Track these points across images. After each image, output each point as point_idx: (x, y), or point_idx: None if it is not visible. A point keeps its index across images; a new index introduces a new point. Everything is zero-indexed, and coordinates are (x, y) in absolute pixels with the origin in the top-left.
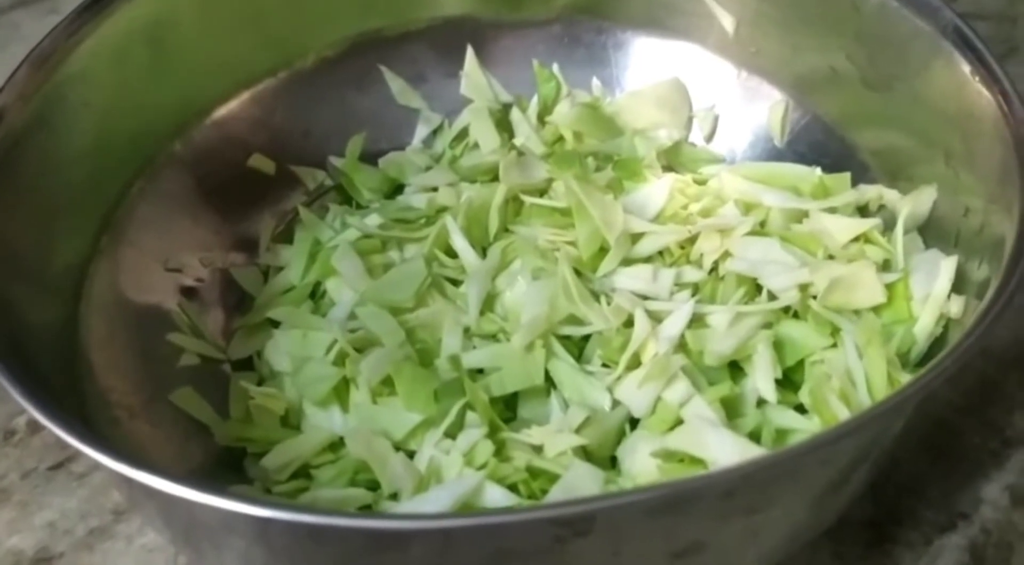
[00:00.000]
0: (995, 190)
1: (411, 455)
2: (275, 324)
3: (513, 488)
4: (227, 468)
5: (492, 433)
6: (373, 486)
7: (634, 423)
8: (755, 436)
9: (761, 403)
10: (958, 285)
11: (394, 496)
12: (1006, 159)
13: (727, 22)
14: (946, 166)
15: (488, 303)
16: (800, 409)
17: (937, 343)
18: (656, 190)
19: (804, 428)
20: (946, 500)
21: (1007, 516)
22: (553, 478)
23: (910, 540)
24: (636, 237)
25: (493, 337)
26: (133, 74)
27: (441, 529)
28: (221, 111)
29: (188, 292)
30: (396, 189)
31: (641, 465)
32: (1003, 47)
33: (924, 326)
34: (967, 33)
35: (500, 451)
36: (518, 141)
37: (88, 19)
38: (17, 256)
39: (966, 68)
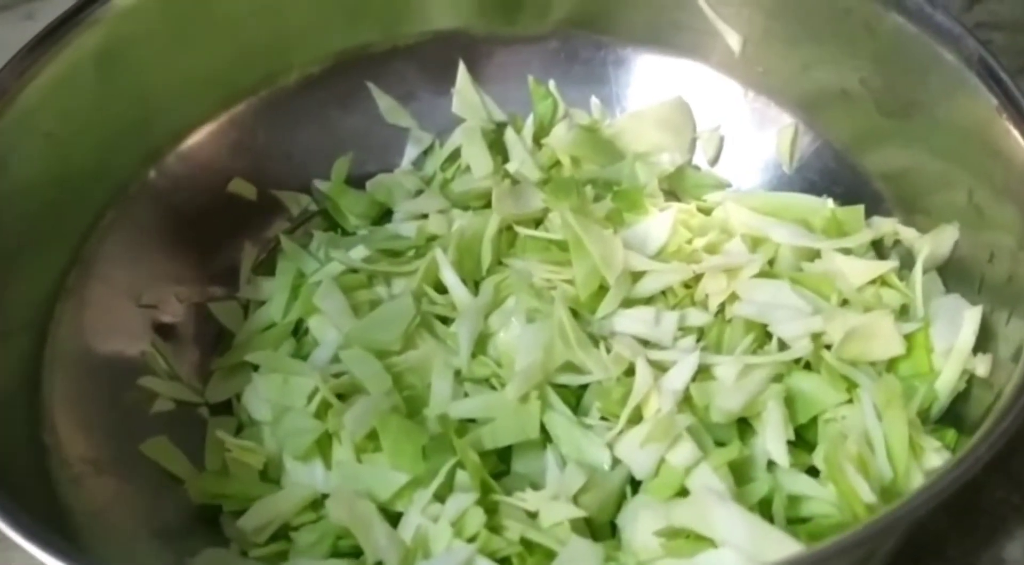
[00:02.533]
0: (1022, 238)
1: (397, 516)
2: (256, 365)
3: (506, 562)
4: (202, 525)
5: (484, 494)
6: (357, 552)
7: (635, 484)
8: (765, 503)
9: (772, 466)
10: (983, 337)
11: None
12: None
13: (733, 40)
14: (968, 202)
15: (480, 344)
16: (813, 471)
17: (960, 398)
18: (658, 223)
19: (819, 496)
20: (967, 558)
21: None
22: (549, 554)
23: None
24: (637, 275)
25: (486, 381)
26: (96, 101)
27: None
28: (197, 135)
29: (162, 330)
30: (384, 214)
31: (643, 540)
32: (1019, 59)
33: (947, 381)
34: (993, 66)
35: (492, 516)
36: (512, 166)
37: (41, 52)
38: None
39: (993, 102)
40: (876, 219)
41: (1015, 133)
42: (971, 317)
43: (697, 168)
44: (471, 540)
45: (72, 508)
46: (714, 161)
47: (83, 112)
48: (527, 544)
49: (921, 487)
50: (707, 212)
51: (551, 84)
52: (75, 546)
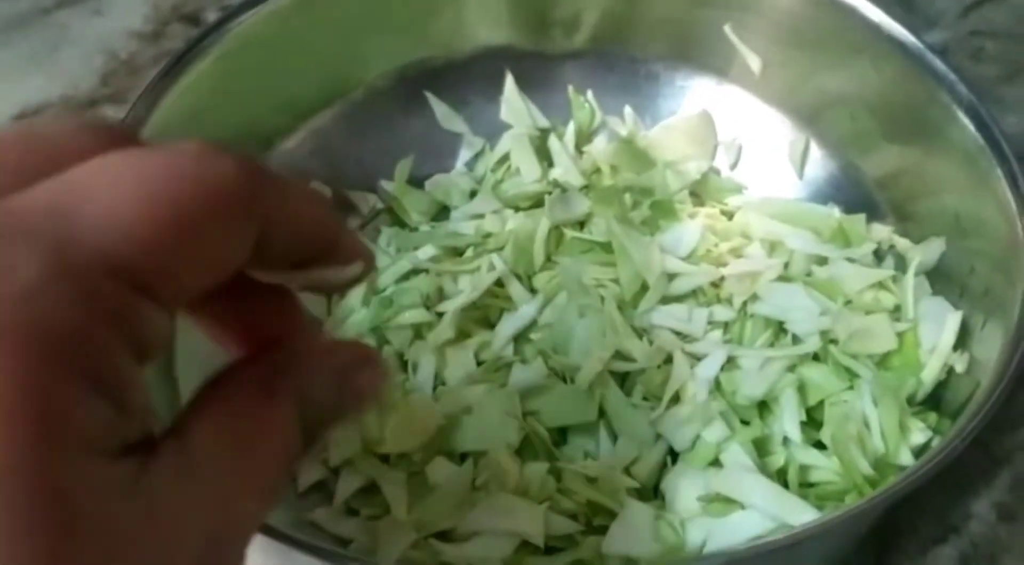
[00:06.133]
0: (999, 261)
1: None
2: None
3: (574, 517)
4: (314, 489)
5: (550, 463)
6: None
7: (673, 452)
8: (782, 471)
9: (787, 441)
10: (962, 337)
11: None
12: (1012, 237)
13: (754, 63)
14: (955, 221)
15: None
16: (819, 445)
17: (940, 385)
18: (689, 229)
19: (825, 466)
20: (940, 513)
21: (993, 530)
22: (609, 512)
23: (909, 550)
24: (672, 276)
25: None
26: (207, 122)
27: None
28: (284, 146)
29: None
30: (442, 210)
31: (685, 502)
32: (1009, 68)
33: (931, 372)
34: (981, 112)
35: (558, 481)
36: (557, 173)
37: (167, 84)
38: None
39: (979, 142)
40: (875, 226)
41: (997, 171)
42: (953, 320)
43: (719, 173)
44: (545, 501)
45: None
46: (733, 166)
47: (196, 130)
48: (591, 505)
49: (910, 470)
50: (729, 216)
51: (589, 94)
52: None
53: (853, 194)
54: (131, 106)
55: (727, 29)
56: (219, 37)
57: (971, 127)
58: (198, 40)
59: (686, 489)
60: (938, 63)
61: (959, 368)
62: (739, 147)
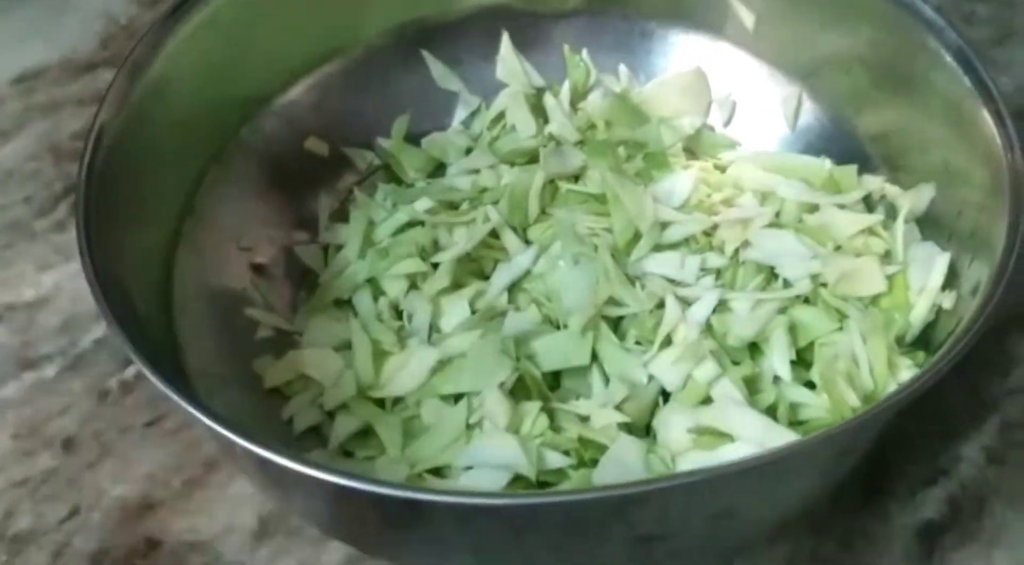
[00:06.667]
0: (985, 201)
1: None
2: (338, 303)
3: (565, 453)
4: (310, 432)
5: (544, 404)
6: None
7: (666, 395)
8: (772, 409)
9: (777, 380)
10: (950, 278)
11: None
12: (996, 176)
13: (747, 18)
14: (943, 166)
15: (532, 281)
16: (810, 384)
17: (929, 327)
18: (682, 180)
19: (814, 403)
20: (930, 457)
21: (982, 473)
22: (601, 448)
23: (898, 492)
24: (665, 225)
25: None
26: (208, 73)
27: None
28: (282, 99)
29: (258, 269)
30: (437, 167)
31: (676, 436)
32: (1000, 31)
33: (919, 313)
34: (969, 54)
35: (551, 421)
36: (552, 128)
37: (170, 27)
38: (124, 242)
39: (966, 86)
40: (866, 177)
41: (984, 112)
42: (941, 262)
43: (712, 129)
44: (537, 438)
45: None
46: (727, 123)
47: (193, 84)
48: (583, 441)
49: (887, 395)
50: (722, 169)
51: (584, 53)
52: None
53: (846, 148)
54: (128, 53)
55: None
56: None
57: (959, 70)
58: None
59: (677, 425)
60: (927, 10)
61: (946, 305)
62: (733, 103)
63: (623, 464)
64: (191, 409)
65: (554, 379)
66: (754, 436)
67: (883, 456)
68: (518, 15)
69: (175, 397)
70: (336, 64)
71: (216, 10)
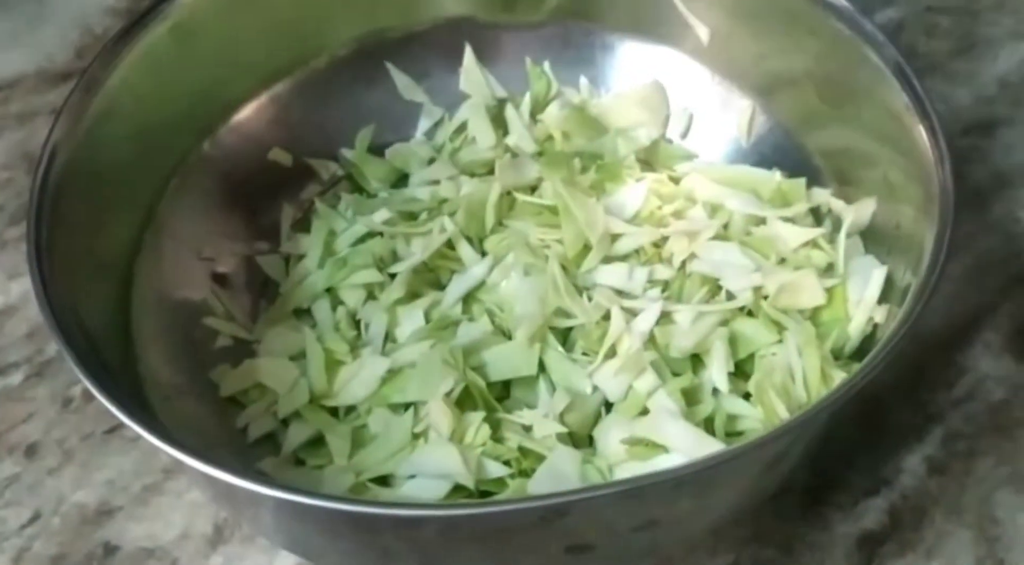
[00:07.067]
0: (919, 215)
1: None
2: (298, 313)
3: (506, 463)
4: (265, 439)
5: (488, 413)
6: None
7: (608, 405)
8: (710, 420)
9: (716, 391)
10: (888, 291)
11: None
12: (928, 191)
13: (702, 32)
14: (884, 180)
15: (485, 292)
16: (748, 396)
17: (867, 339)
18: (634, 192)
19: (750, 415)
20: (872, 468)
21: (923, 484)
22: (540, 458)
23: (840, 502)
24: (615, 236)
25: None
26: (166, 84)
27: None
28: (243, 111)
29: (219, 279)
30: (401, 178)
31: (613, 448)
32: (962, 43)
33: (857, 325)
34: (907, 71)
35: (496, 430)
36: (512, 140)
37: (127, 41)
38: (80, 254)
39: (904, 100)
40: (816, 189)
41: (920, 128)
42: (878, 275)
43: (669, 141)
44: (479, 447)
45: (167, 423)
46: (684, 135)
47: (151, 98)
48: (523, 451)
49: (805, 409)
50: (676, 181)
51: (546, 65)
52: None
53: (798, 160)
54: (86, 67)
55: None
56: (179, 1)
57: (897, 86)
58: (158, 2)
59: (615, 436)
60: (867, 25)
61: (878, 318)
62: (690, 116)
63: (558, 474)
64: (134, 425)
65: (504, 389)
66: (686, 447)
67: (826, 466)
68: (481, 27)
69: (119, 414)
70: (300, 75)
71: (175, 24)
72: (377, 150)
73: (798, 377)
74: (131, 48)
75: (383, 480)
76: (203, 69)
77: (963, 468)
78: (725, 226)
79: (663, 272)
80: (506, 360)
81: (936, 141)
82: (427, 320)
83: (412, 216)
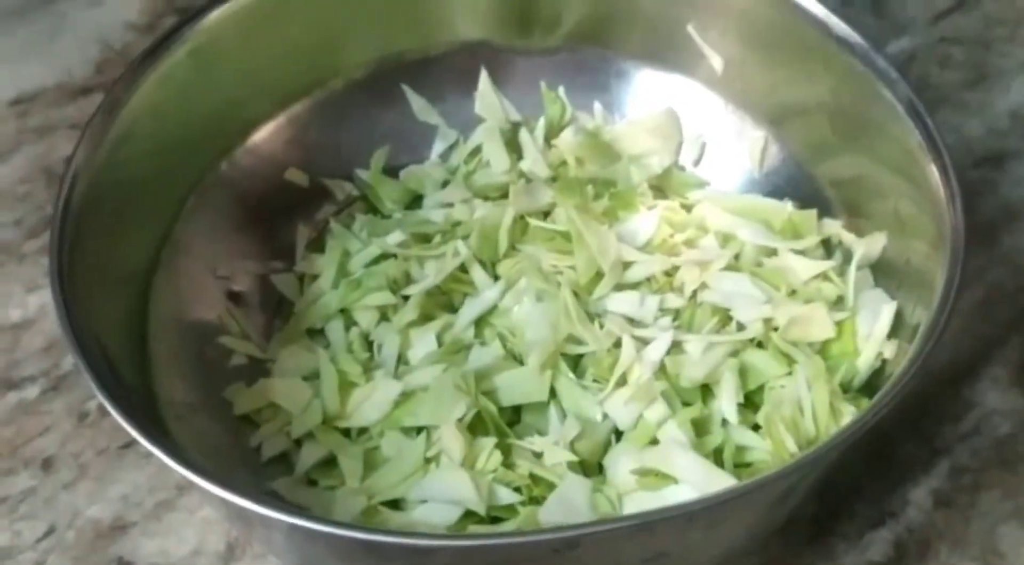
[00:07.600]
0: (930, 252)
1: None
2: (312, 332)
3: (517, 490)
4: (277, 459)
5: (500, 439)
6: None
7: (618, 433)
8: (719, 451)
9: (725, 422)
10: (897, 326)
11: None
12: (940, 229)
13: (716, 62)
14: (895, 214)
15: (497, 316)
16: (757, 427)
17: (876, 373)
18: (646, 220)
19: (759, 447)
20: (878, 499)
21: (929, 517)
22: (551, 485)
23: (845, 533)
24: (627, 264)
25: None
26: (186, 105)
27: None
28: (261, 132)
29: (234, 297)
30: (415, 199)
31: (623, 477)
32: (974, 73)
33: (866, 360)
34: (919, 108)
35: (507, 456)
36: (526, 164)
37: (148, 64)
38: (98, 271)
39: (917, 137)
40: (826, 221)
41: (932, 167)
42: (887, 310)
43: (682, 169)
44: (491, 473)
45: (180, 441)
46: (696, 163)
47: (171, 119)
48: (534, 478)
49: (815, 447)
50: (688, 209)
51: (560, 90)
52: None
53: (809, 191)
54: (109, 88)
55: (690, 28)
56: (200, 24)
57: (910, 123)
58: (179, 26)
59: (624, 465)
60: (881, 61)
61: (887, 353)
62: (703, 144)
63: (569, 503)
64: (148, 444)
65: (515, 414)
66: (695, 479)
67: (833, 497)
68: (497, 51)
69: (133, 431)
70: (317, 97)
71: (195, 47)
72: (392, 171)
73: (807, 410)
74: (152, 70)
75: (395, 503)
76: (222, 91)
77: (968, 501)
78: (736, 256)
79: (674, 301)
80: (518, 386)
81: (947, 180)
82: (439, 343)
83: (426, 239)
